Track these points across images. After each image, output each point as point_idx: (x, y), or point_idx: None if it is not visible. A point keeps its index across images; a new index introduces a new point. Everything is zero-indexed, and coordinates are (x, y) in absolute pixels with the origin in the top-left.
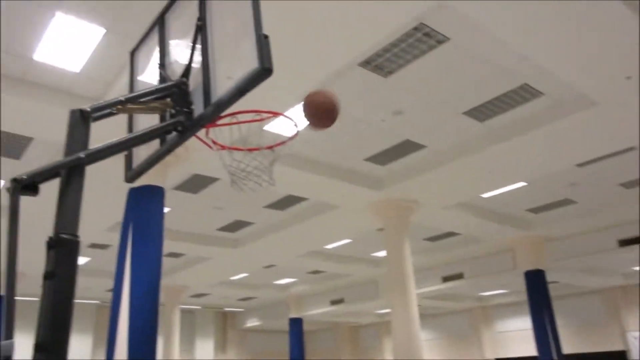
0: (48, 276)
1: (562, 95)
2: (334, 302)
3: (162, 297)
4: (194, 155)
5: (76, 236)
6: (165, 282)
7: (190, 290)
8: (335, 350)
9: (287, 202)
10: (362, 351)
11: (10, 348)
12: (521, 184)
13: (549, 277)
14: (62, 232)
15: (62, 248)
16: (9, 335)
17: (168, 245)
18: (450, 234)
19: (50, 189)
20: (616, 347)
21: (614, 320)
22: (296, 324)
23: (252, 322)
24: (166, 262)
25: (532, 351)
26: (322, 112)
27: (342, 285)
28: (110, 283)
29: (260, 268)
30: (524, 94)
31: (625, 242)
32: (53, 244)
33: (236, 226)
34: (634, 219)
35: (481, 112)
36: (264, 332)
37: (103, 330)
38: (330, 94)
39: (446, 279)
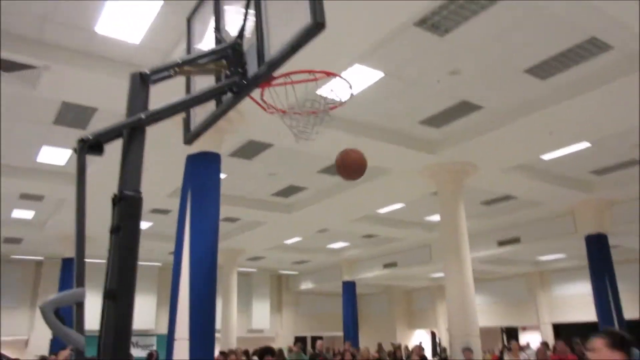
0: (114, 230)
1: (633, 48)
2: (387, 266)
3: (220, 259)
4: (248, 121)
5: (138, 192)
6: (222, 245)
7: (246, 254)
8: (388, 313)
9: None
10: (415, 315)
11: (82, 294)
12: (585, 144)
13: (611, 242)
14: (125, 189)
15: (126, 203)
16: (80, 284)
17: (225, 210)
18: (507, 197)
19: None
20: None
21: None
22: (349, 287)
23: (306, 285)
24: (223, 227)
25: (592, 316)
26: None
27: (395, 249)
28: (171, 246)
29: (313, 232)
30: (592, 48)
31: None
32: (117, 200)
33: (290, 191)
34: None
35: (543, 70)
36: (318, 295)
37: (166, 290)
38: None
39: (502, 243)
